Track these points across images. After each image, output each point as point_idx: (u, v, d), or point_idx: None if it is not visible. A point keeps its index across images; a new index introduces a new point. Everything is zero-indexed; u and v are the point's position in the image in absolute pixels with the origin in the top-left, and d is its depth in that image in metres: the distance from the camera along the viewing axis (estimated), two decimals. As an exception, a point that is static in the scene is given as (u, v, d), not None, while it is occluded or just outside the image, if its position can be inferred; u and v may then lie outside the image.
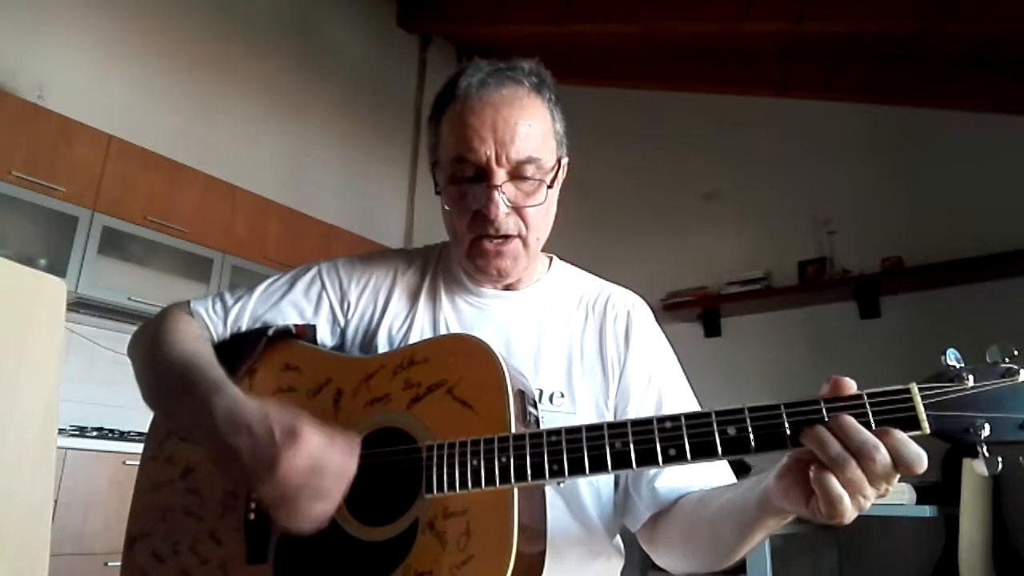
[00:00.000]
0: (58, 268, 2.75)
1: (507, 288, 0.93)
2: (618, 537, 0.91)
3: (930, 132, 3.70)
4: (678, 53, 4.36)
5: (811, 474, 0.56)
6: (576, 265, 1.02)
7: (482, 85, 0.82)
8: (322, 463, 0.65)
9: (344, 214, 4.10)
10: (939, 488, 2.64)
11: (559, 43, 4.64)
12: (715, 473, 0.83)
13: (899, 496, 2.39)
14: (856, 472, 0.54)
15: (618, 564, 0.89)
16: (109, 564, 2.37)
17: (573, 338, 0.91)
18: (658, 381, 0.90)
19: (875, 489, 0.55)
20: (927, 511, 2.36)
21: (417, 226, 4.72)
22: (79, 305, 2.92)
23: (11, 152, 2.70)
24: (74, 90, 3.11)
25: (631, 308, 0.95)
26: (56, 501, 2.25)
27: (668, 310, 4.04)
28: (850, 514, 0.56)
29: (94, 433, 2.66)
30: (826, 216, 3.88)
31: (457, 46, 5.30)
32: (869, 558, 3.26)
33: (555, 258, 1.01)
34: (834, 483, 0.55)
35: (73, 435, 2.52)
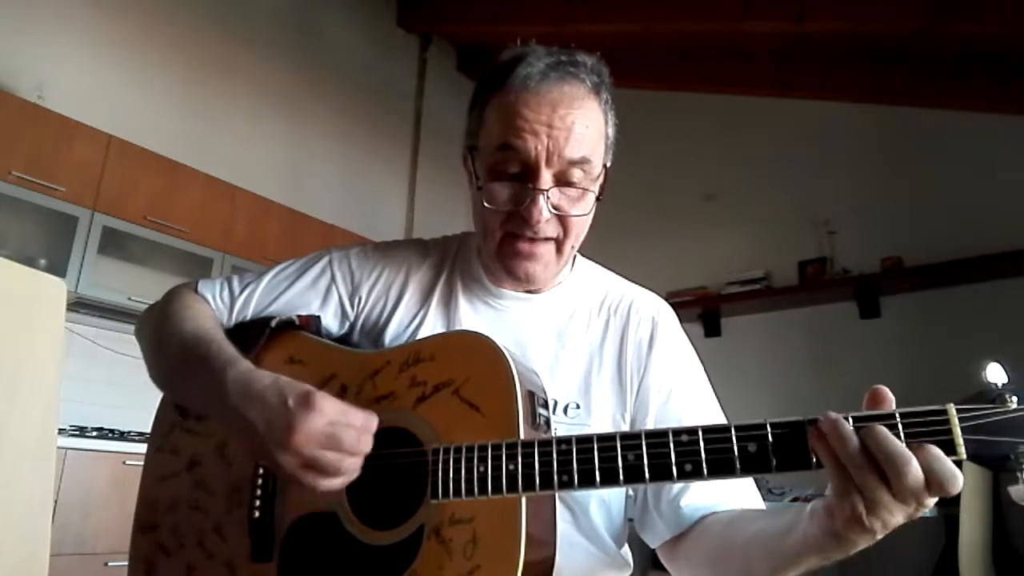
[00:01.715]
0: (58, 268, 2.75)
1: (528, 290, 0.89)
2: (626, 547, 0.88)
3: (930, 132, 3.70)
4: (678, 53, 4.36)
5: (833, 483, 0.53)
6: None
7: (543, 78, 0.77)
8: (341, 421, 0.65)
9: (344, 214, 4.10)
10: (939, 488, 2.64)
11: (559, 43, 4.63)
12: (742, 493, 0.79)
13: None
14: (876, 483, 0.51)
15: (625, 573, 0.86)
16: (109, 564, 2.37)
17: (593, 346, 0.87)
18: (679, 396, 0.84)
19: (904, 507, 0.52)
20: (927, 511, 2.36)
21: (417, 226, 4.72)
22: (79, 305, 2.91)
23: (11, 152, 2.69)
24: (74, 90, 3.11)
25: (656, 315, 0.90)
26: (56, 501, 2.25)
27: (668, 310, 4.04)
28: (871, 528, 0.53)
29: (94, 433, 2.66)
30: (826, 216, 3.89)
31: (457, 46, 5.29)
32: (869, 558, 3.25)
33: (579, 256, 0.95)
34: (855, 492, 0.52)
35: (73, 435, 2.52)
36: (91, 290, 2.85)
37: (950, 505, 2.45)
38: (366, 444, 0.66)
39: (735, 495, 0.79)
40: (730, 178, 4.27)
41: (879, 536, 0.55)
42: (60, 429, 2.03)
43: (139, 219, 3.04)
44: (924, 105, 3.70)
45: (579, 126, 0.76)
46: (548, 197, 0.77)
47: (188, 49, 3.65)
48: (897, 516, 0.53)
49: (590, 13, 4.04)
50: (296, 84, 4.18)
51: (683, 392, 0.85)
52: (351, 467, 0.65)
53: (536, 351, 0.84)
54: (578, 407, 0.82)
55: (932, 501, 0.53)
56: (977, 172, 3.51)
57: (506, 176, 0.78)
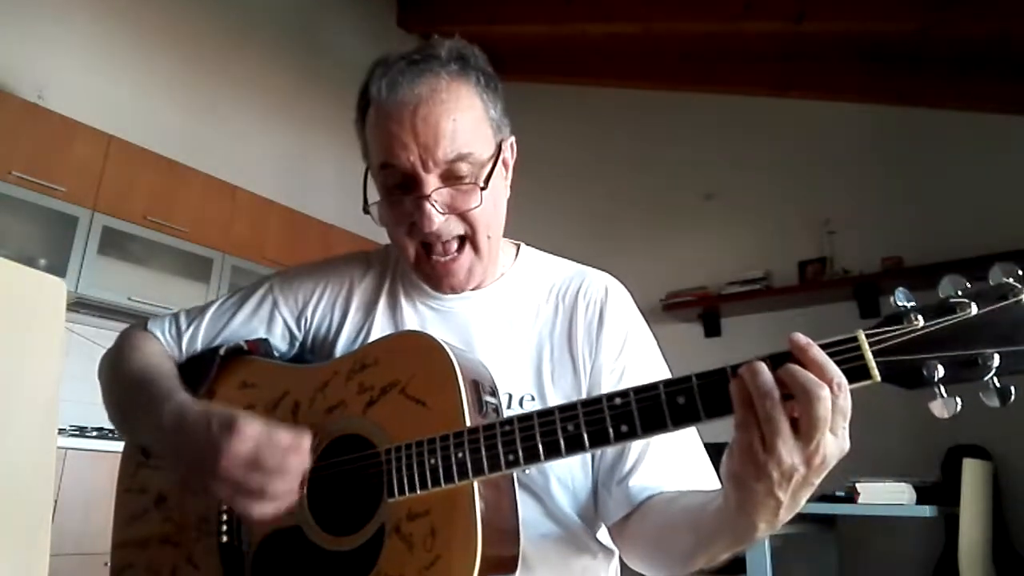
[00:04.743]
0: (58, 268, 2.75)
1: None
2: (607, 533, 0.87)
3: (930, 132, 3.70)
4: (678, 53, 4.36)
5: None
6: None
7: (393, 86, 0.75)
8: (266, 443, 0.65)
9: (344, 214, 4.10)
10: (939, 488, 2.64)
11: (559, 43, 4.64)
12: (694, 474, 0.79)
13: (899, 496, 2.39)
14: (778, 415, 0.52)
15: (607, 560, 0.85)
16: (109, 564, 2.37)
17: (543, 335, 0.86)
18: (632, 374, 0.84)
19: (801, 444, 0.53)
20: (927, 511, 2.36)
21: (417, 226, 4.72)
22: (79, 305, 2.91)
23: (11, 152, 2.69)
24: (74, 90, 3.11)
25: (603, 296, 0.88)
26: (56, 501, 2.25)
27: (668, 310, 4.04)
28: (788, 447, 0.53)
29: (94, 433, 2.66)
30: (826, 216, 3.88)
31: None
32: (869, 558, 3.26)
33: (523, 246, 0.94)
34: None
35: (73, 435, 2.52)
36: (91, 290, 2.85)
37: (950, 505, 2.45)
38: (296, 464, 0.66)
39: (686, 475, 0.79)
40: (730, 178, 4.27)
41: (776, 489, 0.55)
42: (60, 429, 2.04)
43: (139, 219, 3.04)
44: (924, 105, 3.70)
45: (446, 122, 0.74)
46: (435, 200, 0.75)
47: (188, 49, 3.65)
48: (794, 456, 0.53)
49: (590, 13, 4.04)
50: (296, 84, 4.18)
51: (636, 370, 0.84)
52: (281, 490, 0.66)
53: (484, 346, 0.84)
54: (533, 398, 0.82)
55: (831, 447, 0.53)
56: (977, 172, 3.51)
57: (396, 191, 0.78)
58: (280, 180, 3.91)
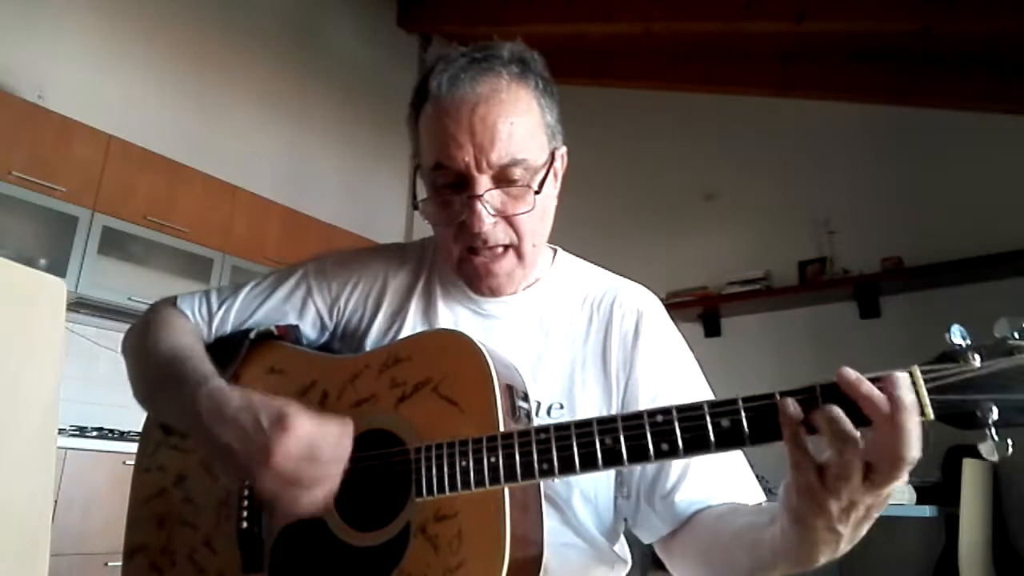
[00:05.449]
0: (58, 268, 2.75)
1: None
2: (623, 544, 0.87)
3: (930, 132, 3.70)
4: (678, 53, 4.36)
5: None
6: None
7: (455, 83, 0.74)
8: (317, 446, 0.64)
9: (344, 214, 4.10)
10: (939, 488, 2.64)
11: (559, 43, 4.64)
12: (739, 486, 0.78)
13: (899, 496, 2.39)
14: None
15: (621, 570, 0.85)
16: (109, 564, 2.37)
17: (576, 344, 0.85)
18: (670, 390, 0.82)
19: (880, 482, 0.52)
20: (927, 511, 2.36)
21: (417, 226, 4.72)
22: (79, 305, 2.91)
23: (11, 152, 2.69)
24: (74, 90, 3.11)
25: (640, 308, 0.87)
26: (56, 501, 2.25)
27: (668, 310, 3.99)
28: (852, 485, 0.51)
29: (94, 433, 2.66)
30: (826, 216, 3.88)
31: (458, 46, 5.29)
32: (869, 558, 3.26)
33: (559, 251, 0.93)
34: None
35: (73, 435, 2.52)
36: (91, 290, 2.85)
37: (950, 505, 2.45)
38: (345, 451, 0.66)
39: (731, 488, 0.77)
40: (730, 178, 4.27)
41: (836, 525, 0.54)
42: (60, 429, 2.04)
43: (139, 219, 3.04)
44: (924, 105, 3.70)
45: (503, 124, 0.73)
46: (487, 201, 0.75)
47: (188, 49, 3.65)
48: (854, 479, 0.51)
49: (590, 13, 4.04)
50: (296, 84, 4.18)
51: (673, 385, 0.83)
52: (333, 477, 0.65)
53: (516, 351, 0.82)
54: (562, 407, 0.81)
55: (899, 479, 0.52)
56: (977, 172, 3.51)
57: (445, 190, 0.77)
58: (280, 180, 3.91)
